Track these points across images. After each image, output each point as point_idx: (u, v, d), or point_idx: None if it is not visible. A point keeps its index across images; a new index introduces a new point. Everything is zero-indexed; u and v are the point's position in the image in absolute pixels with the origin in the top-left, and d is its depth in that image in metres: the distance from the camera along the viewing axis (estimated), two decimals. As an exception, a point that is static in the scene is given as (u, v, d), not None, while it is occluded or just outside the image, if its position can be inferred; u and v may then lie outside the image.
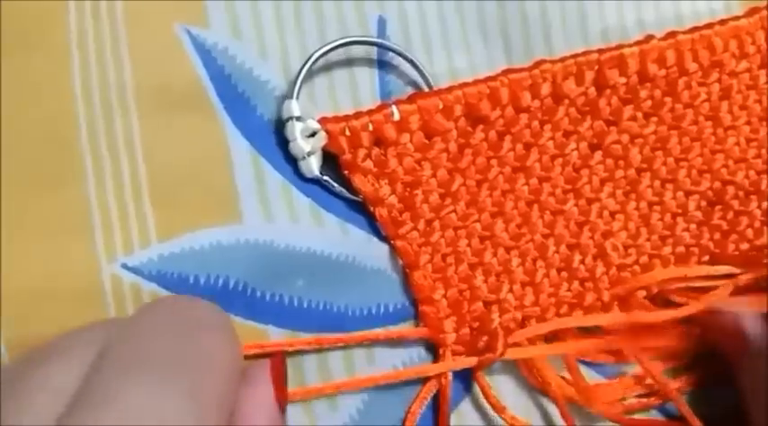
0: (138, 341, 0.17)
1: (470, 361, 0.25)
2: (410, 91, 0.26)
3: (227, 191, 0.23)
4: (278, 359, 0.21)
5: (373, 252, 0.25)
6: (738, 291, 0.27)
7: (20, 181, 0.22)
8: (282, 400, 0.20)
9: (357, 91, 0.25)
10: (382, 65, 0.25)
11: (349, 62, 0.25)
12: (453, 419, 0.25)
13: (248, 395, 0.19)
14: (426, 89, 0.25)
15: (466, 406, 0.26)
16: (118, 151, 0.23)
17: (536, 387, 0.26)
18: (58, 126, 0.22)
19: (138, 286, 0.22)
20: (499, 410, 0.25)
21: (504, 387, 0.26)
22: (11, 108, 0.22)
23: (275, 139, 0.24)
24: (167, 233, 0.23)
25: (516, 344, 0.25)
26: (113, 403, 0.15)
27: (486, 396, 0.25)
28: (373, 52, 0.25)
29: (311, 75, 0.24)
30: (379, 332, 0.24)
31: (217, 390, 0.17)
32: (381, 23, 0.25)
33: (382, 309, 0.25)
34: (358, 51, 0.25)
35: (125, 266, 0.22)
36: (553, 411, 0.26)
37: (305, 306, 0.24)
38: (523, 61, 0.26)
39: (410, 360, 0.25)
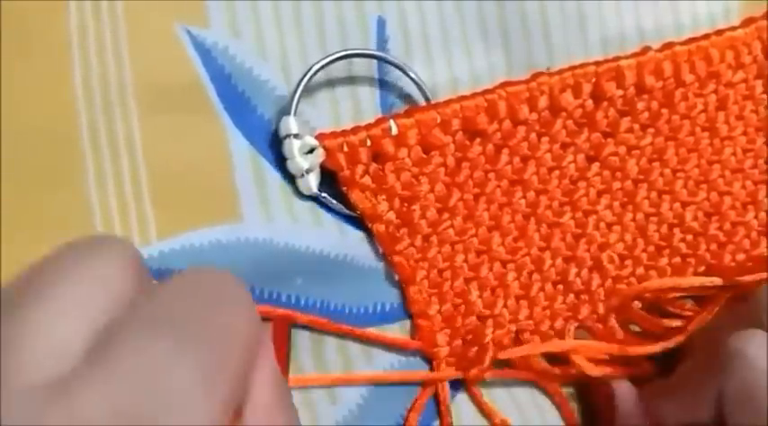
0: (161, 302, 0.16)
1: (458, 374, 0.25)
2: (409, 94, 0.26)
3: (226, 190, 0.24)
4: (280, 323, 0.21)
5: (370, 253, 0.25)
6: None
7: (20, 180, 0.22)
8: (282, 364, 0.20)
9: (357, 94, 0.25)
10: (382, 69, 0.26)
11: (349, 66, 0.25)
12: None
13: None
14: (424, 100, 0.25)
15: (461, 398, 0.26)
16: (118, 150, 0.23)
17: (535, 385, 0.27)
18: (58, 126, 0.22)
19: None
20: (491, 415, 0.26)
21: (497, 392, 0.26)
22: (11, 108, 0.22)
23: (275, 139, 0.24)
24: (167, 231, 0.23)
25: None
26: (124, 360, 0.14)
27: (479, 404, 0.26)
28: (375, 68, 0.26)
29: (311, 80, 0.24)
30: (377, 334, 0.25)
31: (231, 368, 0.16)
32: (381, 23, 0.25)
33: (378, 307, 0.25)
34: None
35: None
36: (546, 411, 0.27)
37: (302, 303, 0.24)
38: (523, 61, 0.27)
39: (406, 360, 0.26)
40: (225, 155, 0.24)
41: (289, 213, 0.24)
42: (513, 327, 0.26)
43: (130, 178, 0.23)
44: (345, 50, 0.25)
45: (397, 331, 0.25)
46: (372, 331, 0.25)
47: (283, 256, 0.24)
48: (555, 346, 0.26)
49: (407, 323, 0.26)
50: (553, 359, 0.26)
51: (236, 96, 0.24)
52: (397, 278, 0.25)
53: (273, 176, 0.24)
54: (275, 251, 0.24)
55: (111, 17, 0.23)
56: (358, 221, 0.25)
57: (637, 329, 0.27)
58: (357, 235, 0.25)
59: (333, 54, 0.24)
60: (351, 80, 0.25)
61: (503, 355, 0.25)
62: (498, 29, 0.26)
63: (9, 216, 0.22)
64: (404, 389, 0.25)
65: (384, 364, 0.25)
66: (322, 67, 0.24)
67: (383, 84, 0.26)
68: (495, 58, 0.27)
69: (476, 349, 0.25)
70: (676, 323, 0.27)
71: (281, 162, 0.24)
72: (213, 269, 0.18)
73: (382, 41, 0.25)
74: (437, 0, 0.26)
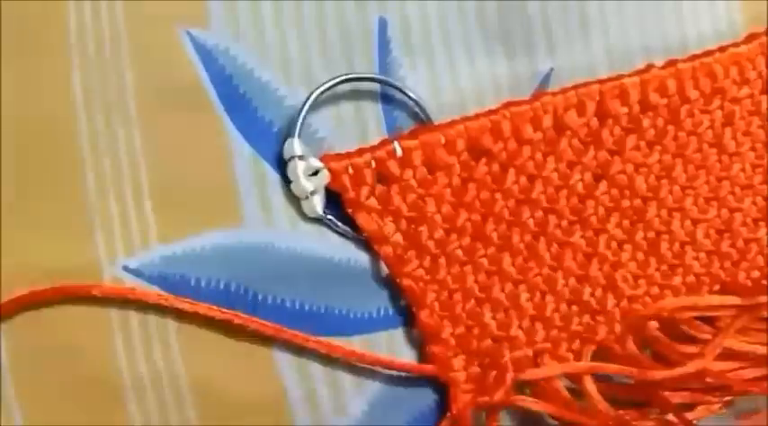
0: None
1: (485, 401, 0.24)
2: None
3: (228, 193, 0.23)
4: None
5: (372, 256, 0.25)
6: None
7: (20, 182, 0.22)
8: None
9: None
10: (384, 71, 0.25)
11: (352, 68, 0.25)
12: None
13: None
14: (425, 119, 0.25)
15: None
16: (118, 153, 0.23)
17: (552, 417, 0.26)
18: (58, 127, 0.22)
19: (140, 288, 0.22)
20: None
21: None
22: (11, 108, 0.22)
23: (276, 141, 0.24)
24: (168, 235, 0.23)
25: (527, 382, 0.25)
26: None
27: None
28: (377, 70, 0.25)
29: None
30: (389, 360, 0.24)
31: None
32: (382, 24, 0.25)
33: (382, 312, 0.25)
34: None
35: (126, 268, 0.22)
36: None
37: (306, 308, 0.24)
38: (525, 62, 0.26)
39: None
40: (226, 158, 0.23)
41: (290, 216, 0.24)
42: (530, 351, 0.25)
43: (131, 180, 0.23)
44: (347, 75, 0.25)
45: (403, 336, 0.25)
46: (383, 356, 0.24)
47: (285, 261, 0.24)
48: (572, 367, 0.25)
49: (412, 327, 0.25)
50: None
51: (237, 98, 0.24)
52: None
53: (274, 178, 0.24)
54: (277, 255, 0.23)
55: (111, 18, 0.23)
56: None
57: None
58: (358, 239, 0.25)
59: (334, 78, 0.24)
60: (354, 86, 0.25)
61: (523, 376, 0.25)
62: (500, 29, 0.26)
63: (8, 217, 0.22)
64: (406, 402, 0.25)
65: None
66: (323, 92, 0.24)
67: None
68: (497, 59, 0.26)
69: (495, 373, 0.25)
70: (692, 349, 0.26)
71: (282, 164, 0.24)
72: None
73: (384, 42, 0.25)
74: (439, 0, 0.26)
